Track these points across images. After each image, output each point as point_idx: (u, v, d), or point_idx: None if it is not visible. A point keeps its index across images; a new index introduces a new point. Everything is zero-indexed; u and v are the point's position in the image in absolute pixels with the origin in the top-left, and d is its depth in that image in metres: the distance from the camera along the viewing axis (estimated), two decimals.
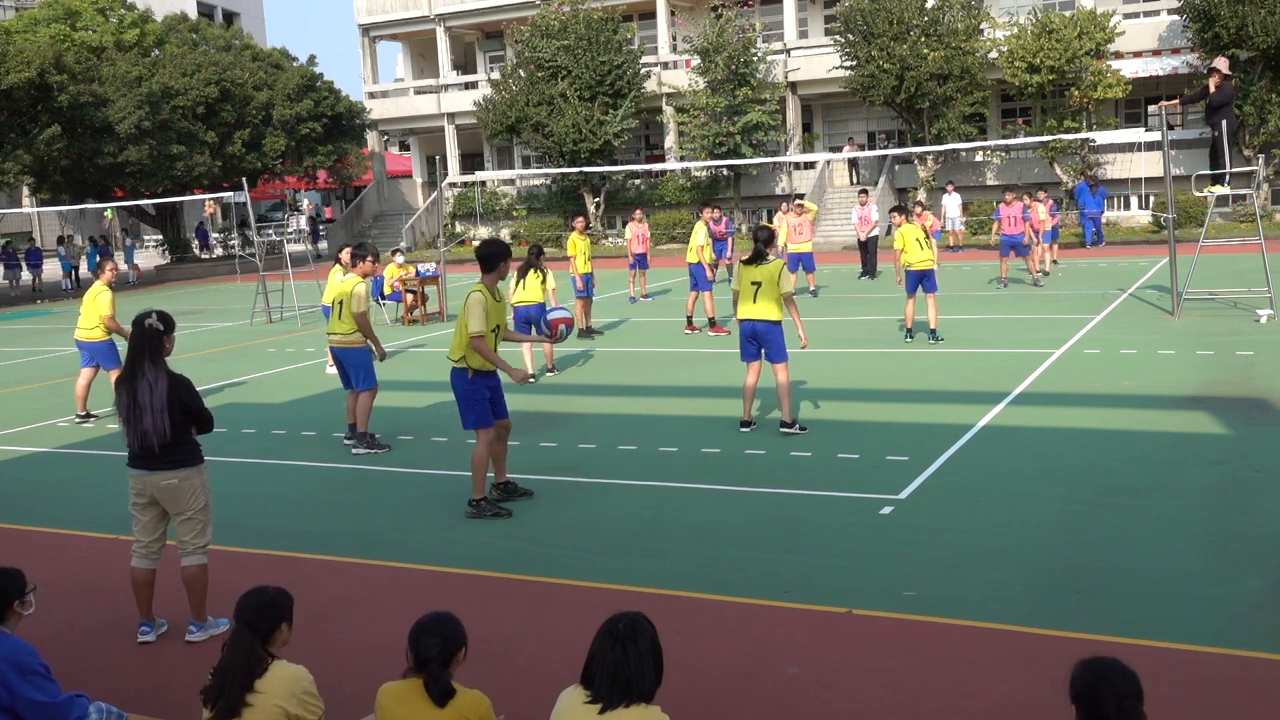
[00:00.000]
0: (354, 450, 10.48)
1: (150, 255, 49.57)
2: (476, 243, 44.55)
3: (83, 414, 12.79)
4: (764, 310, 10.08)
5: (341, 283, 10.76)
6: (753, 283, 10.12)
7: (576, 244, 17.79)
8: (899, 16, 32.97)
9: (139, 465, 6.11)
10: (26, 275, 37.04)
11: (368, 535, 8.01)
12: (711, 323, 17.09)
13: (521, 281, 13.98)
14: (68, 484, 10.22)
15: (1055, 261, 23.55)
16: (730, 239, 24.48)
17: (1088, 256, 26.37)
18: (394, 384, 14.35)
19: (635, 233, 21.58)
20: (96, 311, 12.68)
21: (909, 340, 14.91)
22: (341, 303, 10.53)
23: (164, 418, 5.95)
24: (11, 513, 9.18)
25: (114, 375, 12.52)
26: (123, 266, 37.28)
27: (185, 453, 6.13)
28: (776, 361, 10.17)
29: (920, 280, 14.65)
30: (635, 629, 3.61)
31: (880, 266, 24.07)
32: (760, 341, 10.19)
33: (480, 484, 8.23)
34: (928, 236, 14.78)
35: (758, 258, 10.16)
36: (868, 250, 24.08)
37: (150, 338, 6.05)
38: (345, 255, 16.03)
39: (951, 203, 29.92)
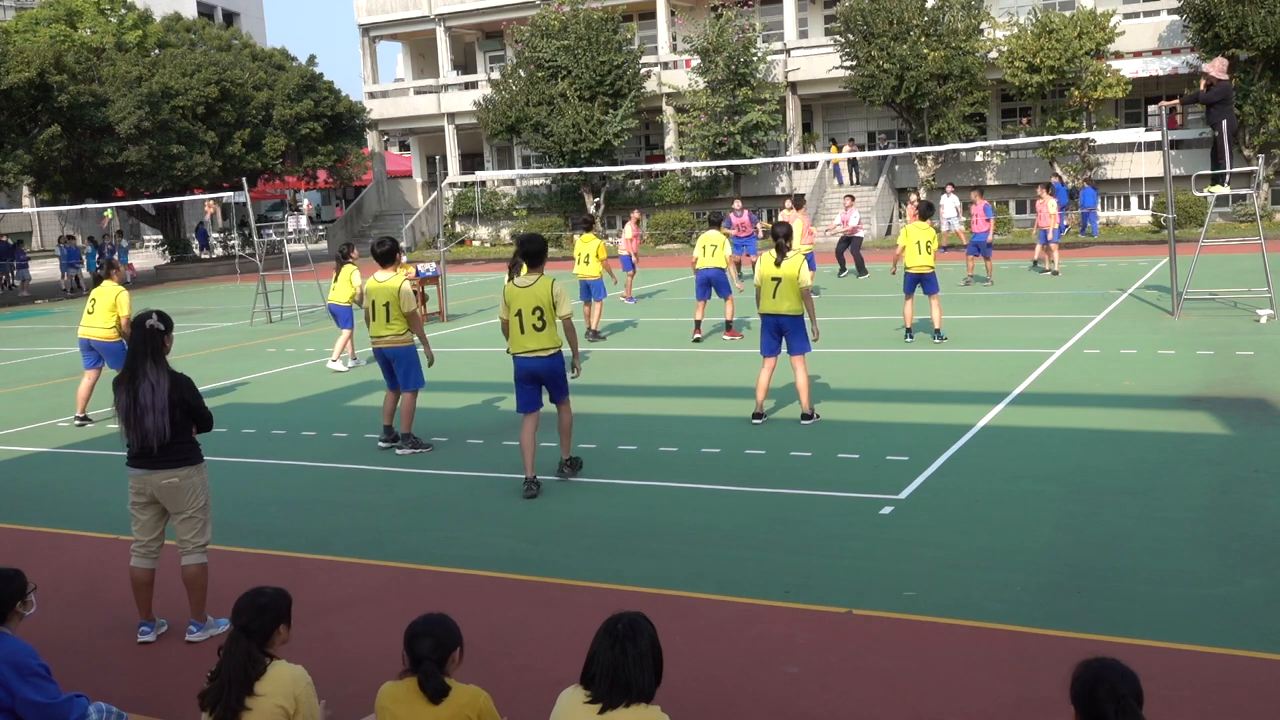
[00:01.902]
0: (398, 451, 10.34)
1: (150, 255, 49.58)
2: (476, 243, 44.46)
3: (81, 416, 12.71)
4: (786, 304, 10.40)
5: (386, 282, 10.38)
6: (773, 278, 10.42)
7: (595, 246, 17.56)
8: (899, 16, 32.98)
9: (139, 464, 6.11)
10: (42, 275, 37.08)
11: (368, 535, 8.01)
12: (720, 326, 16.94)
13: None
14: (68, 484, 10.22)
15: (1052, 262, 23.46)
16: (755, 232, 24.25)
17: (1088, 256, 26.37)
18: None
19: (635, 232, 21.70)
20: (115, 312, 12.48)
21: (909, 340, 14.91)
22: (389, 304, 10.28)
23: (165, 418, 5.96)
24: (11, 513, 9.18)
25: None
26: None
27: (185, 452, 6.13)
28: (798, 353, 10.52)
29: (918, 282, 14.66)
30: (635, 629, 3.62)
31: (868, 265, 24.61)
32: (784, 334, 10.51)
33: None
34: (932, 240, 14.65)
35: (779, 253, 10.42)
36: (852, 248, 24.25)
37: (151, 338, 6.06)
38: (355, 255, 16.11)
39: (949, 203, 29.92)
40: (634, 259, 21.66)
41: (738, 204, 24.84)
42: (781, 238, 10.52)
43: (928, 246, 14.49)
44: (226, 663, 4.09)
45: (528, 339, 8.63)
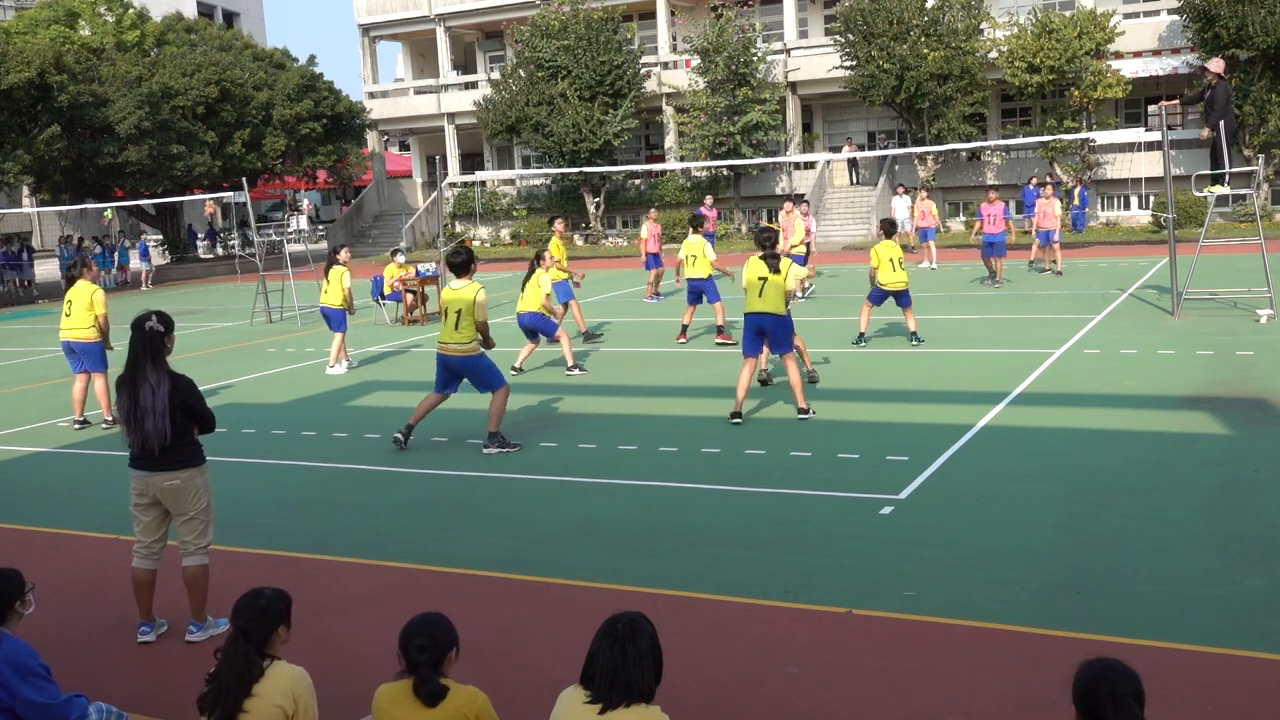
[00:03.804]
0: (485, 450, 10.15)
1: (151, 255, 49.51)
2: (476, 243, 44.51)
3: (80, 419, 12.58)
4: (771, 304, 10.59)
5: (460, 291, 10.18)
6: (760, 278, 10.63)
7: (561, 248, 17.35)
8: (899, 16, 32.98)
9: (141, 466, 6.10)
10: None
11: (368, 535, 8.01)
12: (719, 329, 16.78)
13: (524, 288, 14.13)
14: (68, 484, 10.22)
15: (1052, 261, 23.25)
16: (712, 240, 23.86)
17: (1088, 256, 26.35)
18: (394, 384, 14.37)
19: (652, 232, 21.78)
20: (92, 311, 12.32)
21: (863, 345, 14.86)
22: (460, 311, 10.09)
23: (165, 420, 5.94)
24: (11, 513, 9.18)
25: (100, 380, 12.43)
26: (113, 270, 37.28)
27: (187, 453, 6.11)
28: (783, 353, 10.75)
29: (892, 296, 14.67)
30: (634, 629, 3.61)
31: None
32: (766, 334, 10.71)
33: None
34: (901, 255, 14.70)
35: (772, 260, 10.62)
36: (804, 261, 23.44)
37: (151, 340, 6.02)
38: (345, 255, 16.08)
39: (901, 205, 29.49)
40: (661, 257, 21.81)
41: (709, 200, 25.60)
42: (771, 245, 10.73)
43: (900, 263, 14.57)
44: (224, 665, 4.07)
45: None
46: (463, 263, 10.41)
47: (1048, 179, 30.38)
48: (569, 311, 16.88)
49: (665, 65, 40.17)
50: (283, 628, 4.25)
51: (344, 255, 15.97)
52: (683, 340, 16.35)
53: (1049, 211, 22.20)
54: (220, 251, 44.44)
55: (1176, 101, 17.82)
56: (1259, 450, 8.74)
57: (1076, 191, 32.55)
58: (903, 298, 14.66)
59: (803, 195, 32.52)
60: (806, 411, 10.73)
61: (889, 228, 15.36)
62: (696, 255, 16.26)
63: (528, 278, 14.15)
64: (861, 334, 15.07)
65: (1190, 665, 5.22)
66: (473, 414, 12.06)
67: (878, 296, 14.83)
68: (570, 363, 14.24)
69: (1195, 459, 8.63)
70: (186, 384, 6.09)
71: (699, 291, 16.37)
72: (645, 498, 8.55)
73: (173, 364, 6.21)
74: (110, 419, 12.50)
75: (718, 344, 15.90)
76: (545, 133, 37.69)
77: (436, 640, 3.93)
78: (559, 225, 18.28)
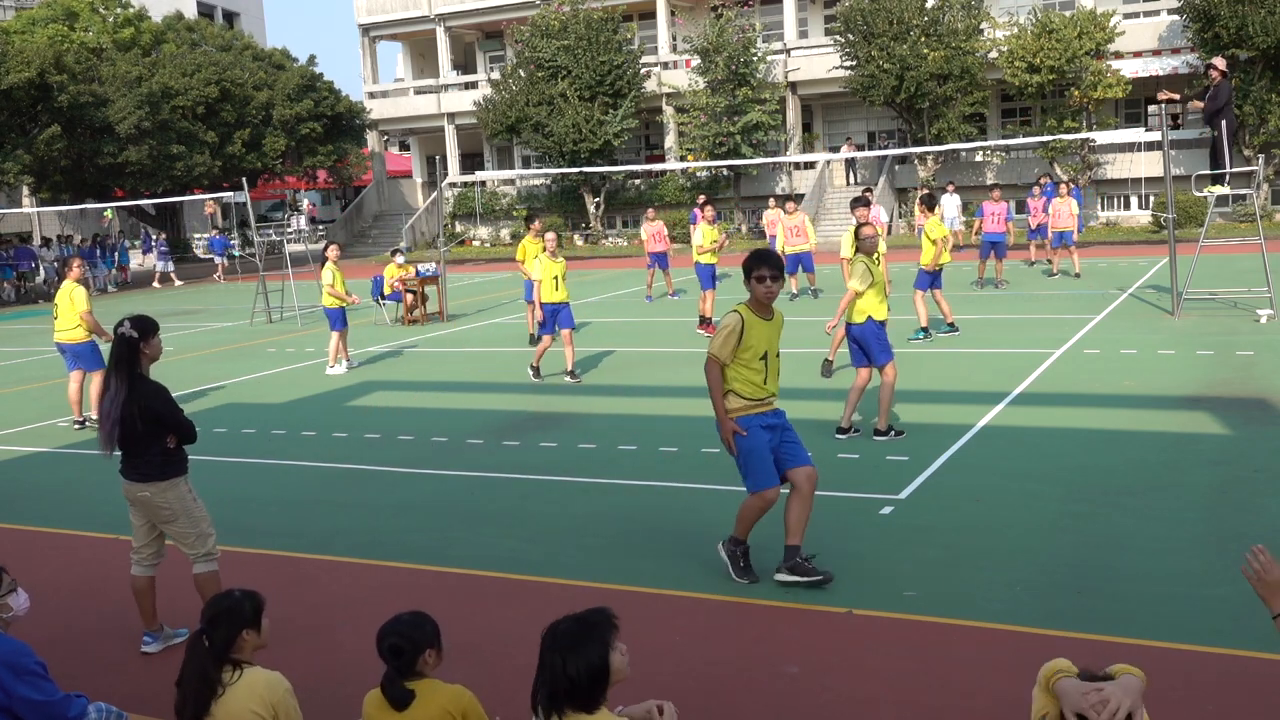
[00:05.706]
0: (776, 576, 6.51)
1: (151, 255, 49.53)
2: (476, 243, 44.44)
3: (80, 419, 12.56)
4: (862, 309, 9.70)
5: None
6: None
7: (529, 249, 16.94)
8: (899, 16, 32.99)
9: (121, 473, 6.02)
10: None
11: (368, 535, 8.01)
12: (704, 321, 16.91)
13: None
14: (68, 484, 10.22)
15: (1049, 261, 22.78)
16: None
17: (1088, 256, 26.33)
18: (394, 384, 14.36)
19: (650, 231, 21.75)
20: (74, 310, 12.26)
21: (956, 332, 15.11)
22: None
23: (119, 429, 5.80)
24: (11, 513, 9.18)
25: (96, 378, 12.36)
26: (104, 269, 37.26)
27: (158, 465, 5.89)
28: (879, 364, 9.75)
29: (931, 280, 14.79)
30: (572, 634, 3.49)
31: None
32: (859, 345, 9.79)
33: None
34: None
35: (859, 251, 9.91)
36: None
37: (119, 345, 5.77)
38: (333, 253, 16.04)
39: (950, 203, 29.47)
40: (668, 257, 22.11)
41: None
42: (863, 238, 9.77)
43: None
44: (185, 667, 3.93)
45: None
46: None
47: (1045, 177, 30.32)
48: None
49: (665, 65, 40.18)
50: (249, 631, 4.01)
51: (332, 252, 15.96)
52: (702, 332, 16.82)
53: (1063, 211, 21.43)
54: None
55: (1177, 97, 17.87)
56: (1259, 450, 8.74)
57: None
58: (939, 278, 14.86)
59: (801, 195, 32.50)
60: (884, 433, 9.65)
61: (930, 201, 15.35)
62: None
63: None
64: (951, 324, 15.09)
65: (1190, 665, 5.22)
66: (473, 414, 12.07)
67: (929, 280, 14.73)
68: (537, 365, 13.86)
69: (1195, 459, 8.63)
70: (154, 391, 5.82)
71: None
72: (645, 498, 8.55)
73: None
74: (88, 417, 12.48)
75: (699, 333, 16.61)
76: (545, 133, 37.70)
77: (411, 640, 3.78)
78: (537, 225, 17.06)
